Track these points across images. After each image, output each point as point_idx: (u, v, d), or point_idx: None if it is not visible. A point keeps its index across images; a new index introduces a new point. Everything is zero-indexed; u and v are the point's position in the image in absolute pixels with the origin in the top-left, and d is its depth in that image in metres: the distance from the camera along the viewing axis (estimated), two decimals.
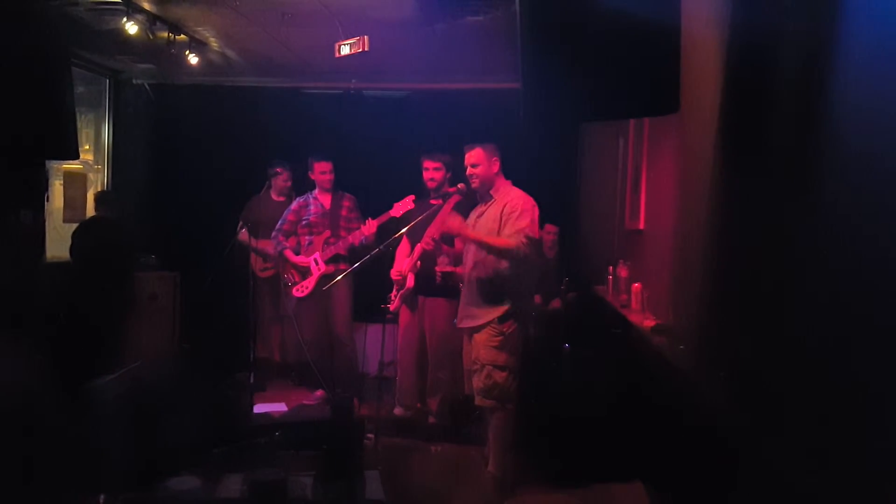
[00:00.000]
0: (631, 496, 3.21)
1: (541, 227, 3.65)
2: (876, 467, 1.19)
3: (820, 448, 1.39)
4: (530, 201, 3.31)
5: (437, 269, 3.68)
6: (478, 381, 3.23)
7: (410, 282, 4.07)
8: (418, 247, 3.89)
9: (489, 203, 3.37)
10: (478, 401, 3.25)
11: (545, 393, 3.37)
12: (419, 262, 3.98)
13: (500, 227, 3.26)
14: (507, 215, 3.26)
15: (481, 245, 3.25)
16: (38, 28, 1.79)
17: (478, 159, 3.36)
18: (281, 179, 5.01)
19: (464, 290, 3.40)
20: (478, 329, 3.27)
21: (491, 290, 3.26)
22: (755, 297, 1.80)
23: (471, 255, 3.36)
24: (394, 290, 4.12)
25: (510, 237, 3.19)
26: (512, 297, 3.26)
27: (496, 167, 3.37)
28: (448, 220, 3.33)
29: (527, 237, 3.19)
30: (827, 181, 1.46)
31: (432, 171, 4.11)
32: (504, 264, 3.25)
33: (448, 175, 4.09)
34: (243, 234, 4.68)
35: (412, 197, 4.15)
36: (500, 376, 3.19)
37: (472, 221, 3.46)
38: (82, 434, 1.77)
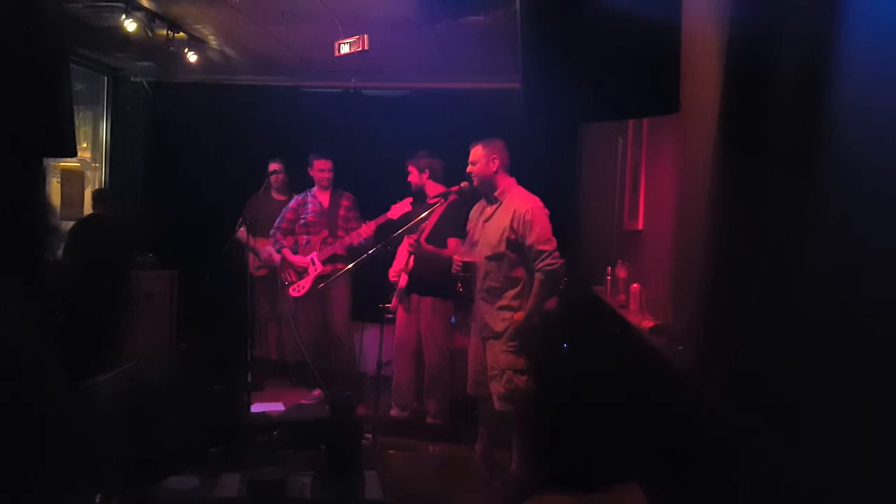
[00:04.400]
0: (628, 495, 3.22)
1: None
2: (876, 467, 1.19)
3: (818, 448, 1.39)
4: (539, 207, 3.22)
5: (456, 257, 3.55)
6: (498, 387, 3.19)
7: (403, 281, 4.07)
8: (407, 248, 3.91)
9: (496, 206, 3.31)
10: (498, 406, 3.22)
11: (543, 393, 3.36)
12: (411, 262, 3.97)
13: (515, 237, 3.19)
14: (520, 226, 3.17)
15: (535, 310, 3.19)
16: (37, 24, 1.78)
17: (476, 156, 3.32)
18: (275, 176, 4.98)
19: (476, 302, 3.34)
20: (495, 335, 3.24)
21: (504, 300, 3.23)
22: (754, 298, 1.80)
23: (481, 266, 3.31)
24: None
25: (539, 272, 3.13)
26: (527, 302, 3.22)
27: (495, 165, 3.30)
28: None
29: (551, 259, 3.13)
30: (827, 181, 1.45)
31: (409, 175, 4.24)
32: (516, 276, 3.22)
33: (425, 175, 4.19)
34: (241, 233, 4.67)
35: (410, 199, 4.16)
36: (520, 380, 3.17)
37: (476, 223, 3.42)
38: (78, 433, 1.76)
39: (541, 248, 3.14)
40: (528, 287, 3.19)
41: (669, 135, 3.12)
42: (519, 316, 3.16)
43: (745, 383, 1.82)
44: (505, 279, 3.22)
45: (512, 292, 3.21)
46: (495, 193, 3.32)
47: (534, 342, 3.25)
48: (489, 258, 3.25)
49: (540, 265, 3.14)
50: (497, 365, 3.20)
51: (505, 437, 3.31)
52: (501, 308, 3.22)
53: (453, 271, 3.39)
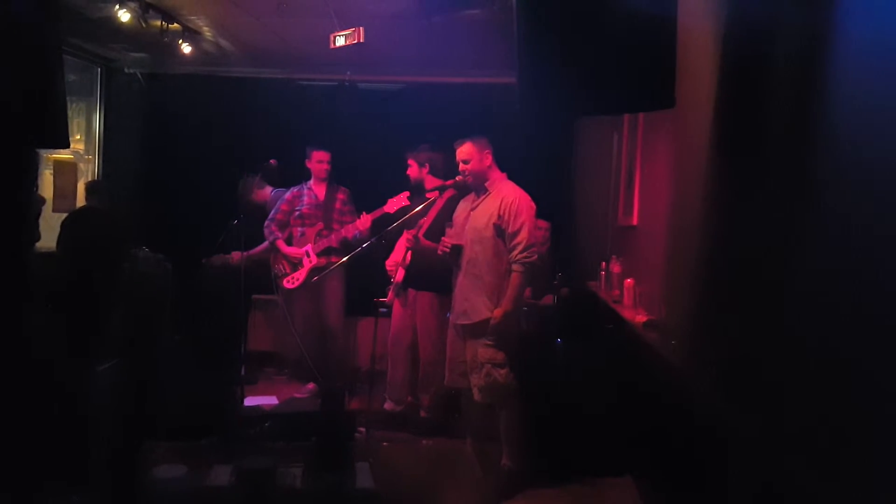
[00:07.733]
0: (621, 490, 3.24)
1: None
2: (870, 463, 1.20)
3: (811, 443, 1.40)
4: (527, 199, 3.27)
5: (445, 240, 3.54)
6: (478, 380, 3.22)
7: (399, 276, 4.07)
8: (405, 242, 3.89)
9: (484, 195, 3.35)
10: (478, 398, 3.23)
11: (537, 388, 3.38)
12: (409, 257, 3.97)
13: (500, 223, 3.22)
14: (507, 213, 3.21)
15: (514, 304, 3.21)
16: (30, 14, 1.77)
17: (468, 154, 3.34)
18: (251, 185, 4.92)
19: (458, 286, 3.38)
20: (473, 326, 3.25)
21: (486, 287, 3.24)
22: (747, 294, 1.81)
23: (466, 250, 3.34)
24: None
25: (516, 263, 3.17)
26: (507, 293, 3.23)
27: (488, 161, 3.34)
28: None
29: (528, 252, 3.17)
30: (821, 177, 1.46)
31: (409, 168, 4.22)
32: (500, 263, 3.24)
33: (424, 169, 4.17)
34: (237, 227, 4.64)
35: (407, 193, 4.15)
36: (499, 374, 3.18)
37: (462, 213, 3.44)
38: (71, 424, 1.76)
39: (521, 238, 3.17)
40: (508, 279, 3.22)
41: (664, 130, 3.13)
42: (498, 312, 3.17)
43: (737, 378, 1.83)
44: (488, 267, 3.24)
45: (493, 282, 3.23)
46: (486, 184, 3.35)
47: (513, 336, 3.26)
48: (475, 242, 3.28)
49: (518, 257, 3.17)
50: (476, 358, 3.22)
51: (493, 431, 3.32)
52: (482, 297, 3.23)
53: (439, 252, 3.41)
